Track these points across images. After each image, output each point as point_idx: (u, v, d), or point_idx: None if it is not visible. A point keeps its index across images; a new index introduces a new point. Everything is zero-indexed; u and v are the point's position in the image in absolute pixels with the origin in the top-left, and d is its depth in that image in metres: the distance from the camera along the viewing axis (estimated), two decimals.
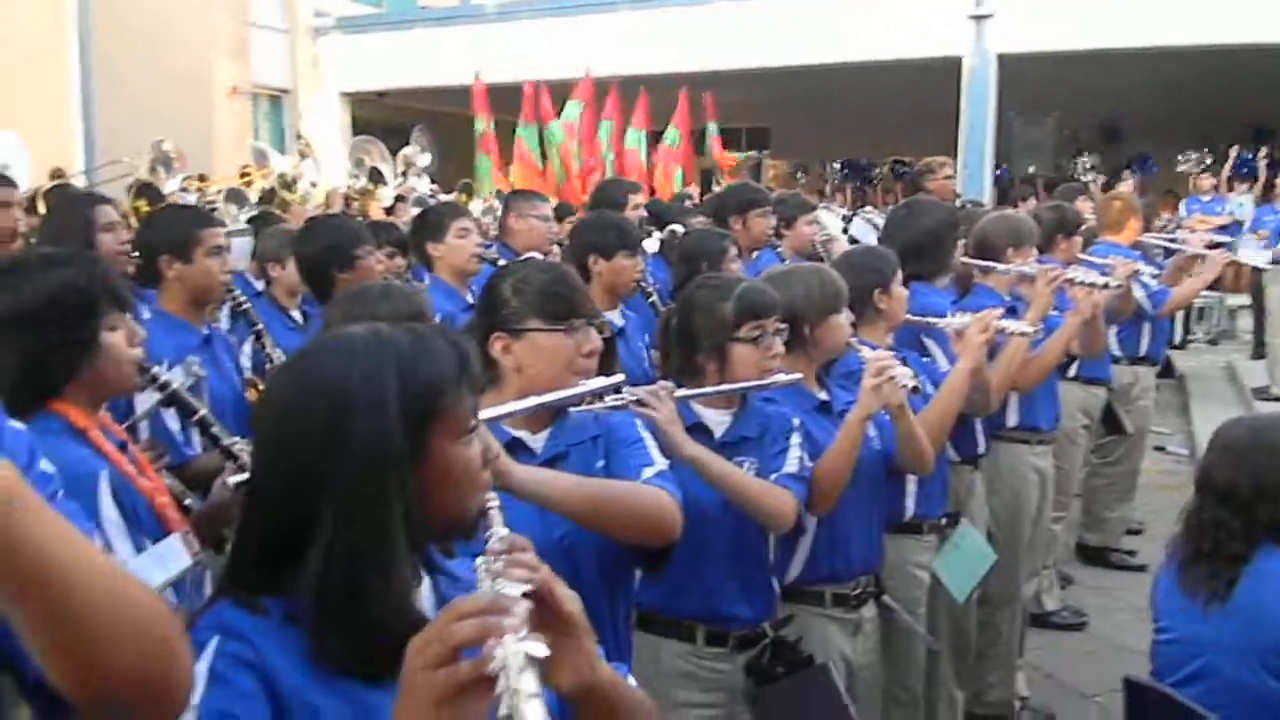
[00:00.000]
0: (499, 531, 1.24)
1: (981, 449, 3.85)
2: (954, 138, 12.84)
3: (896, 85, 13.98)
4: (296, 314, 4.40)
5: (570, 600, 1.14)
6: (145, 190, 6.46)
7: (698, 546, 2.36)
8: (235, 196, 6.62)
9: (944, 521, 3.43)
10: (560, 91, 10.37)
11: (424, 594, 1.31)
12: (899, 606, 3.02)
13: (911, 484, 3.23)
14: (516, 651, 0.98)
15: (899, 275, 3.28)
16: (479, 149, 10.48)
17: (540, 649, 1.00)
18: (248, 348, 3.79)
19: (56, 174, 7.28)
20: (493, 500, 1.31)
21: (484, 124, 10.49)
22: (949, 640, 3.61)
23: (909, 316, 3.33)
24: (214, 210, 5.59)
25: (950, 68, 12.89)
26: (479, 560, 1.19)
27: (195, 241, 3.20)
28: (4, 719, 1.03)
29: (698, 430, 2.52)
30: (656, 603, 2.53)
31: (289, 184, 7.74)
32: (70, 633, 0.85)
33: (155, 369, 2.37)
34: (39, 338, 2.01)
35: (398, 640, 1.19)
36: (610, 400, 2.25)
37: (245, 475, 2.19)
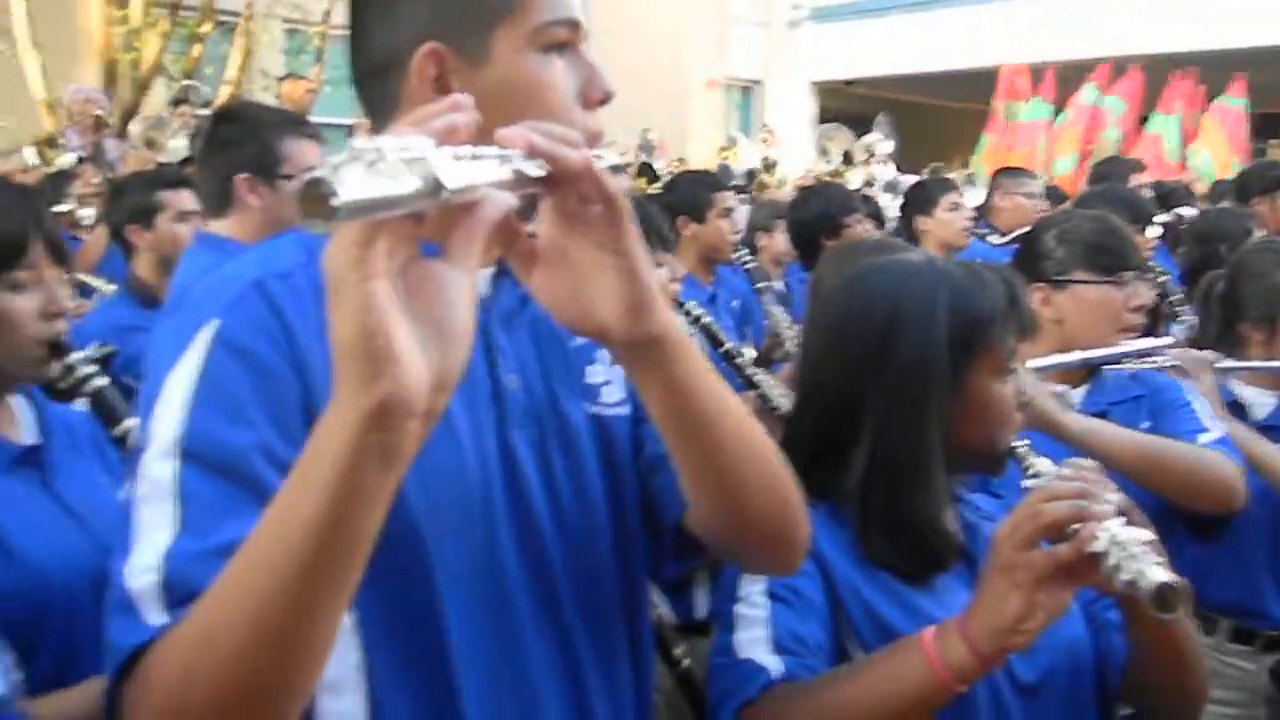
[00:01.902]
0: (1040, 464, 1.25)
1: None
2: None
3: None
4: (779, 284, 4.58)
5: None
6: (644, 169, 7.13)
7: (1232, 532, 2.17)
8: (724, 172, 7.13)
9: None
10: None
11: (950, 517, 1.33)
12: None
13: None
14: (1127, 530, 1.02)
15: None
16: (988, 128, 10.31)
17: (1149, 534, 1.02)
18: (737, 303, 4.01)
19: None
20: (1023, 441, 1.32)
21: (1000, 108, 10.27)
22: None
23: None
24: None
25: None
26: (1029, 483, 1.22)
27: (709, 204, 3.48)
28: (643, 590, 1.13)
29: (1232, 409, 2.32)
30: None
31: (770, 167, 8.18)
32: (723, 474, 0.96)
33: (689, 304, 2.58)
34: None
35: (931, 548, 1.26)
36: (1147, 362, 2.14)
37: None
